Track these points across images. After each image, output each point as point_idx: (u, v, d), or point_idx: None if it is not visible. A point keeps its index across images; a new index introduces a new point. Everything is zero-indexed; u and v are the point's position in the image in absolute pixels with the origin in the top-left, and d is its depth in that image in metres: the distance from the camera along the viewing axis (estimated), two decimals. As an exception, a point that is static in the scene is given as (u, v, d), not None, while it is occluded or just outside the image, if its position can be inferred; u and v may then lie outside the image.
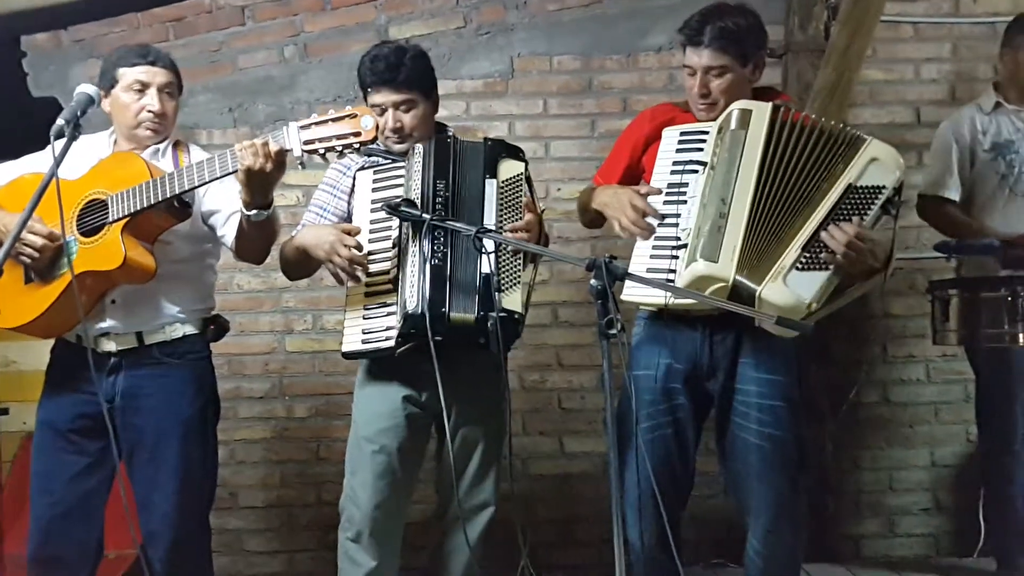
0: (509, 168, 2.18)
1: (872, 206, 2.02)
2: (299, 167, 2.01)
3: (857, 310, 3.33)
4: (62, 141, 1.84)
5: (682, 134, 2.17)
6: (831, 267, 1.99)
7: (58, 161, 1.82)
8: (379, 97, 2.20)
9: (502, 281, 2.07)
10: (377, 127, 1.97)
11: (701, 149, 2.11)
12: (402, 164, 2.20)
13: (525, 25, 3.34)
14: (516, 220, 2.14)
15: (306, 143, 1.96)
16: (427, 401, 2.21)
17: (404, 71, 2.18)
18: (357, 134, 1.94)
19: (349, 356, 2.18)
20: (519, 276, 2.13)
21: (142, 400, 2.17)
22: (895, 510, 3.36)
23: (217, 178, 2.03)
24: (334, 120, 1.95)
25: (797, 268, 1.98)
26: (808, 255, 1.99)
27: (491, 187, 2.14)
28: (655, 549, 2.15)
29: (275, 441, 3.32)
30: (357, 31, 3.33)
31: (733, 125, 2.07)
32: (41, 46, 3.35)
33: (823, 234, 1.99)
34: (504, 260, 2.10)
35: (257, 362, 3.32)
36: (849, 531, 3.35)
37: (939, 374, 3.35)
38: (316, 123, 1.96)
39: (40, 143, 2.05)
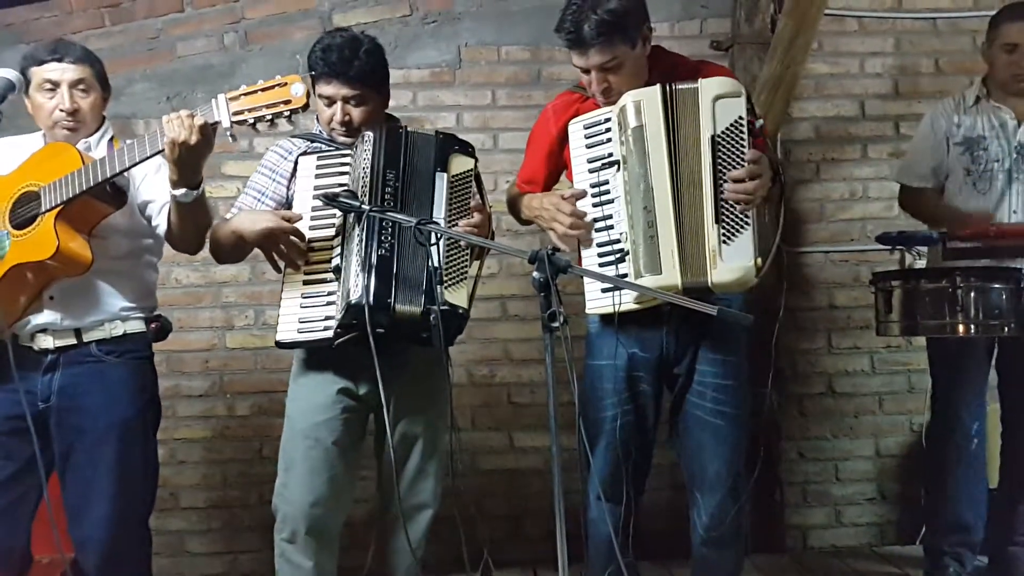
0: (460, 164, 2.14)
1: (742, 141, 1.99)
2: (230, 139, 1.96)
3: (802, 302, 3.37)
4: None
5: (585, 127, 2.13)
6: (748, 221, 1.99)
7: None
8: (329, 88, 2.14)
9: (448, 275, 2.04)
10: (308, 92, 1.91)
11: (609, 140, 2.08)
12: (348, 152, 2.14)
13: (472, 14, 3.30)
14: (464, 216, 2.11)
15: (235, 113, 1.91)
16: (365, 395, 2.16)
17: (358, 65, 2.11)
18: (287, 102, 1.90)
19: (283, 346, 2.12)
20: (465, 271, 2.09)
21: (80, 399, 2.10)
22: (841, 500, 3.41)
23: (148, 157, 1.97)
24: (264, 89, 1.91)
25: (724, 243, 1.99)
26: (724, 224, 1.99)
27: (441, 181, 2.10)
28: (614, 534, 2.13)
29: (216, 440, 3.24)
30: (300, 18, 3.26)
31: (632, 121, 2.03)
32: (-33, 30, 3.22)
33: (728, 194, 1.98)
34: (451, 255, 2.06)
35: (197, 359, 3.23)
36: (796, 521, 3.39)
37: (883, 365, 3.40)
38: (245, 93, 1.92)
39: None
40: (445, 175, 2.10)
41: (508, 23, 3.30)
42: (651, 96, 2.02)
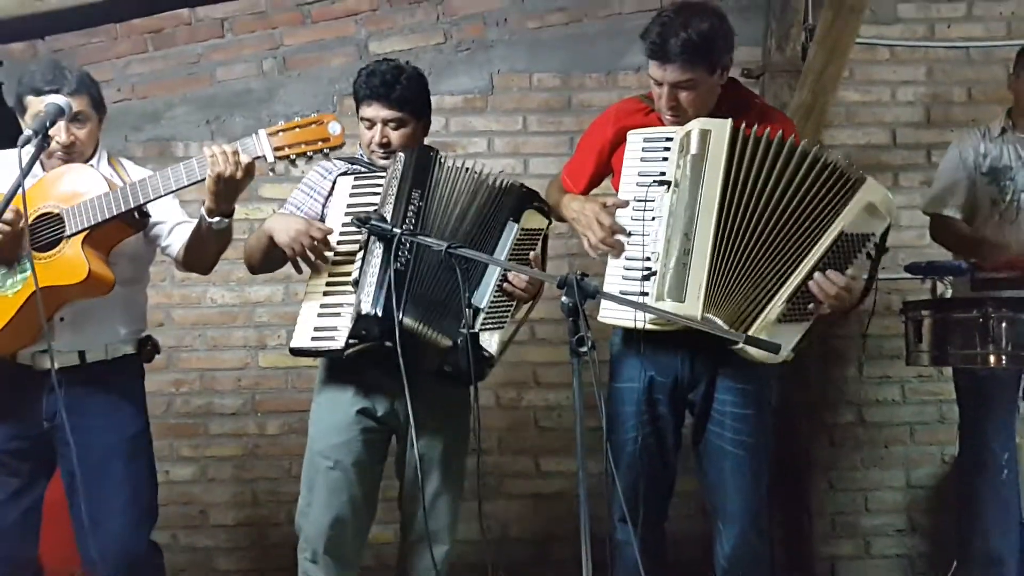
0: (533, 220, 2.21)
1: (859, 254, 2.01)
2: (269, 173, 2.03)
3: (833, 330, 3.34)
4: (29, 151, 1.84)
5: (645, 140, 2.12)
6: (810, 319, 2.00)
7: (24, 172, 1.81)
8: (370, 111, 2.21)
9: (487, 319, 2.09)
10: (343, 131, 2.00)
11: (666, 159, 2.07)
12: (383, 175, 2.19)
13: (505, 42, 3.35)
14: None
15: (276, 149, 2.00)
16: (383, 416, 2.19)
17: (399, 89, 2.19)
18: (326, 139, 2.00)
19: (296, 352, 2.15)
20: (504, 318, 2.15)
21: (84, 419, 2.11)
22: (871, 531, 3.36)
23: (185, 186, 2.02)
24: (301, 126, 2.00)
25: (780, 320, 1.99)
26: (793, 306, 1.99)
27: (511, 230, 2.16)
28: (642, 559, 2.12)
29: (247, 458, 3.28)
30: (336, 45, 3.33)
31: (693, 148, 2.03)
32: (18, 56, 3.31)
33: (812, 284, 1.98)
34: (496, 300, 2.12)
35: (229, 378, 3.28)
36: (825, 552, 3.34)
37: (914, 394, 3.36)
38: (284, 129, 2.01)
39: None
40: (516, 226, 2.16)
41: (540, 51, 3.35)
42: (720, 129, 2.02)
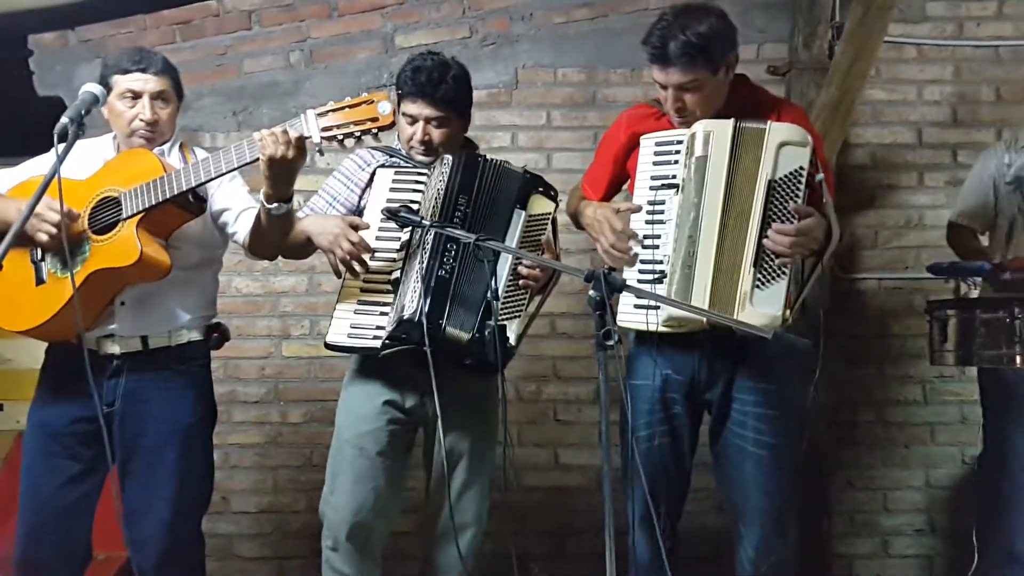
0: (540, 205, 2.19)
1: (798, 191, 2.00)
2: (318, 154, 2.01)
3: (854, 328, 3.33)
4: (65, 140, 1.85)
5: (656, 144, 2.14)
6: (785, 272, 2.00)
7: (61, 158, 1.81)
8: (413, 108, 2.19)
9: (503, 309, 2.09)
10: (394, 112, 1.95)
11: (676, 162, 2.09)
12: (424, 171, 2.19)
13: (530, 37, 3.35)
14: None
15: (324, 129, 1.95)
16: (411, 408, 2.21)
17: (444, 88, 2.16)
18: (375, 119, 1.94)
19: (331, 348, 2.17)
20: (521, 307, 2.15)
21: (144, 405, 2.15)
22: (889, 531, 3.35)
23: (234, 168, 2.02)
24: (351, 106, 1.95)
25: (758, 288, 1.99)
26: (761, 271, 2.00)
27: (518, 217, 2.15)
28: (654, 559, 2.12)
29: (269, 446, 3.31)
30: (363, 38, 3.34)
31: (698, 150, 2.04)
32: (48, 45, 3.36)
33: (766, 242, 1.99)
34: (509, 289, 2.11)
35: (253, 366, 3.31)
36: (843, 551, 3.34)
37: (936, 395, 3.35)
38: (333, 109, 1.96)
39: (44, 141, 2.03)
40: (523, 212, 2.15)
41: (565, 46, 3.35)
42: (722, 130, 2.03)
